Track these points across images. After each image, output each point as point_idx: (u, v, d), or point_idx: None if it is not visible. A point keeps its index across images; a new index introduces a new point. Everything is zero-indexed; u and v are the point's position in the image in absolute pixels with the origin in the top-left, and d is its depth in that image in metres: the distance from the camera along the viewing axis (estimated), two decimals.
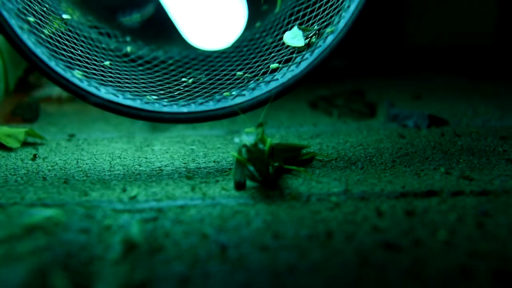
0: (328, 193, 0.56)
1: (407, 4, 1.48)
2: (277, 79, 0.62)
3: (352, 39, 0.59)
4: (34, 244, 0.44)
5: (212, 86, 0.68)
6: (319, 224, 0.48)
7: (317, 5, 0.67)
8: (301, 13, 0.69)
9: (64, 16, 0.72)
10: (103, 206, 0.54)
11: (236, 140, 0.57)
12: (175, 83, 0.71)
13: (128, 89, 0.65)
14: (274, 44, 0.70)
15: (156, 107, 0.61)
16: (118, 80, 0.67)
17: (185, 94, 0.66)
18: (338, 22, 0.61)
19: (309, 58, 0.61)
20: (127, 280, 0.40)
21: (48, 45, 0.61)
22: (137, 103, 0.60)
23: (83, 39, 0.73)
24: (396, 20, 1.49)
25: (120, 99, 0.60)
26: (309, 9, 0.68)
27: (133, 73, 0.74)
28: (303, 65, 0.61)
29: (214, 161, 0.68)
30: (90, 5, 0.86)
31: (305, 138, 0.77)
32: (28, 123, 0.90)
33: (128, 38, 0.83)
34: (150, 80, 0.72)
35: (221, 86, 0.67)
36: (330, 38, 0.60)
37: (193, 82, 0.69)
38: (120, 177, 0.63)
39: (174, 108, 0.61)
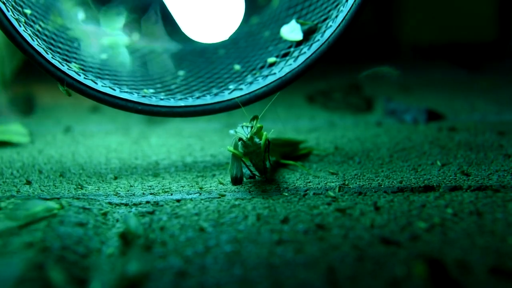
0: (325, 188, 0.56)
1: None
2: (274, 73, 0.62)
3: (350, 33, 0.59)
4: (30, 237, 0.44)
5: (209, 80, 0.68)
6: (316, 218, 0.48)
7: None
8: (299, 7, 0.68)
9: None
10: (99, 199, 0.54)
11: (231, 132, 0.57)
12: (172, 76, 0.70)
13: (125, 82, 0.65)
14: (272, 38, 0.69)
15: (153, 100, 0.61)
16: (115, 73, 0.67)
17: (182, 88, 0.66)
18: (336, 16, 0.60)
19: (307, 52, 0.61)
20: (123, 273, 0.40)
21: (44, 37, 0.61)
22: (134, 97, 0.60)
23: (80, 31, 0.73)
24: (393, 14, 1.49)
25: (116, 92, 0.60)
26: (307, 3, 0.67)
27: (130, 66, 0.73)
28: (301, 59, 0.61)
29: (211, 155, 0.68)
30: None
31: (302, 132, 0.77)
32: (23, 116, 0.90)
33: (125, 31, 0.83)
34: (147, 73, 0.72)
35: (218, 80, 0.67)
36: (328, 32, 0.60)
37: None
38: (117, 170, 0.63)
39: (171, 102, 0.61)
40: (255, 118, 0.56)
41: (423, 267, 0.39)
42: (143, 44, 0.80)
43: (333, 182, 0.57)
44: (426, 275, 0.38)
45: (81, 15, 0.78)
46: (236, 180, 0.56)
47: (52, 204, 0.49)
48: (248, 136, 0.55)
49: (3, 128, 0.75)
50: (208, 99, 0.62)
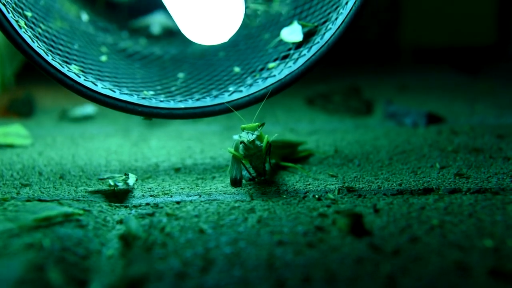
0: (325, 190, 0.56)
1: (405, 3, 1.48)
2: (274, 75, 0.62)
3: (349, 35, 0.59)
4: (30, 239, 0.44)
5: (209, 82, 0.68)
6: (315, 220, 0.48)
7: (315, 1, 0.67)
8: (298, 9, 0.69)
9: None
10: (99, 201, 0.54)
11: (235, 137, 0.57)
12: (172, 78, 0.70)
13: (125, 84, 0.65)
14: (271, 40, 0.69)
15: (153, 102, 0.61)
16: (115, 75, 0.67)
17: (182, 90, 0.66)
18: (336, 18, 0.60)
19: (306, 55, 0.61)
20: (123, 275, 0.40)
21: (44, 39, 0.61)
22: (133, 99, 0.60)
23: (80, 33, 0.73)
24: (393, 18, 1.49)
25: (116, 94, 0.60)
26: (306, 5, 0.68)
27: (130, 68, 0.73)
28: (301, 61, 0.61)
29: (210, 157, 0.68)
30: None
31: (302, 135, 0.77)
32: (23, 118, 0.90)
33: (125, 33, 0.83)
34: (147, 75, 0.72)
35: (218, 82, 0.67)
36: (327, 35, 0.60)
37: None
38: (117, 172, 0.63)
39: (171, 104, 0.61)
40: (262, 125, 0.56)
41: (345, 220, 0.46)
42: (143, 46, 0.80)
43: (332, 184, 0.57)
44: (347, 227, 0.46)
45: (84, 16, 0.78)
46: (236, 182, 0.57)
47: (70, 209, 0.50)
48: (250, 139, 0.55)
49: (5, 131, 0.75)
50: (208, 101, 0.62)
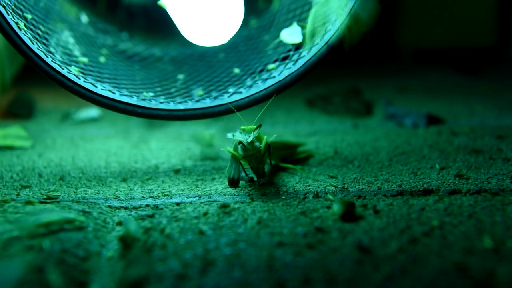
0: (325, 191, 0.56)
1: (404, 5, 1.48)
2: (274, 77, 0.62)
3: None
4: (30, 240, 0.44)
5: (208, 84, 0.68)
6: (315, 222, 0.48)
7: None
8: (298, 11, 0.69)
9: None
10: (99, 203, 0.54)
11: (229, 135, 0.56)
12: (172, 79, 0.70)
13: (124, 85, 0.65)
14: (271, 41, 0.69)
15: (153, 104, 0.61)
16: (115, 76, 0.67)
17: (181, 91, 0.66)
18: (335, 19, 0.60)
19: (306, 56, 0.61)
20: (123, 276, 0.40)
21: (44, 41, 0.61)
22: (133, 100, 0.60)
23: (79, 35, 0.73)
24: (392, 19, 1.49)
25: (116, 95, 0.60)
26: (306, 7, 0.68)
27: (129, 69, 0.73)
28: (300, 62, 0.61)
29: (210, 159, 0.68)
30: (87, 1, 0.85)
31: (301, 136, 0.77)
32: (23, 119, 0.90)
33: (124, 35, 0.83)
34: (146, 76, 0.72)
35: (218, 84, 0.67)
36: (327, 36, 0.60)
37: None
38: (116, 174, 0.63)
39: (171, 105, 0.61)
40: (258, 127, 0.56)
41: (339, 206, 0.49)
42: (143, 47, 0.80)
43: (332, 185, 0.57)
44: (339, 213, 0.49)
45: (84, 18, 0.78)
46: (233, 182, 0.57)
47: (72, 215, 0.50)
48: (249, 140, 0.55)
49: (5, 133, 0.75)
50: (208, 103, 0.62)
